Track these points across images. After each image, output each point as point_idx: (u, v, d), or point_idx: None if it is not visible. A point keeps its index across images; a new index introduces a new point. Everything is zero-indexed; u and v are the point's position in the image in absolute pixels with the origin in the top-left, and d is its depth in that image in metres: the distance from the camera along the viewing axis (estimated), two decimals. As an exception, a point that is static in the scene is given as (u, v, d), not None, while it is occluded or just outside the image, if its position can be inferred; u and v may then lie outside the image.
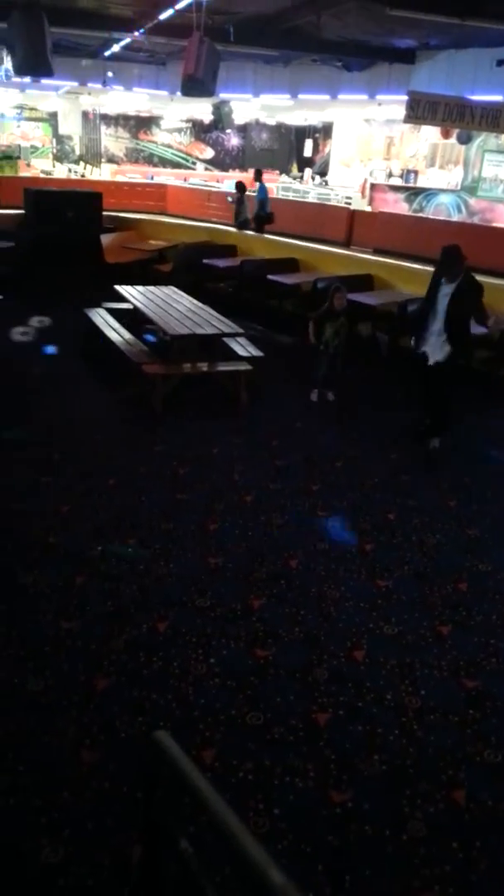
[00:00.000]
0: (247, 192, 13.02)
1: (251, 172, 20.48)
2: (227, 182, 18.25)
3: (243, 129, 21.76)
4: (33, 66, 9.49)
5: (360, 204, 15.62)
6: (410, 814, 2.96)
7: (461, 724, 3.45)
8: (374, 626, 4.13)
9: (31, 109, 20.15)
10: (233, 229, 13.10)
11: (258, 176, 13.42)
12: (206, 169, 21.84)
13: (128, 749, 3.14)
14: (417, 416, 6.80)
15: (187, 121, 21.69)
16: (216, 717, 3.37)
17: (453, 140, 16.14)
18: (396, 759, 3.23)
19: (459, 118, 11.04)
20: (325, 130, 20.24)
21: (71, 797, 2.91)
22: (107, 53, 13.78)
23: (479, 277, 6.31)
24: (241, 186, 13.14)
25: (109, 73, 14.79)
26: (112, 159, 21.43)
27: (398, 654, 3.91)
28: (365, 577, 4.61)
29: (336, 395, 7.67)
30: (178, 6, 9.56)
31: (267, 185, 18.26)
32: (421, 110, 10.85)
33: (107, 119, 21.36)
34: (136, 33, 11.72)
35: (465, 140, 15.49)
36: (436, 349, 6.24)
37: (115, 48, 13.24)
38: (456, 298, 6.08)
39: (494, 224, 14.68)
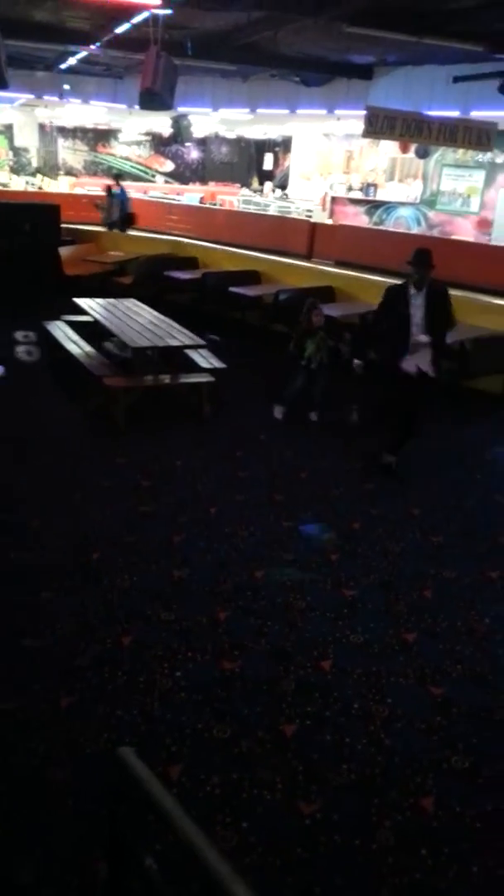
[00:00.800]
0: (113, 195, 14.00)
1: (212, 185, 20.64)
2: (187, 195, 18.32)
3: (203, 143, 21.86)
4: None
5: (321, 217, 15.77)
6: (379, 822, 2.95)
7: (428, 730, 3.46)
8: (340, 635, 4.13)
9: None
10: (195, 241, 13.14)
11: (117, 180, 14.55)
12: (166, 182, 21.87)
13: (93, 766, 3.09)
14: (380, 438, 6.53)
15: (146, 134, 21.73)
16: (182, 731, 3.33)
17: (412, 154, 16.41)
18: (365, 767, 3.22)
19: (417, 133, 11.23)
20: (285, 144, 20.41)
21: (37, 817, 2.85)
22: (63, 66, 13.76)
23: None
24: (109, 190, 14.17)
25: (66, 86, 14.77)
26: (70, 172, 21.36)
27: (365, 662, 3.91)
28: (331, 586, 4.61)
29: (320, 416, 7.38)
30: (135, 20, 9.60)
31: (228, 198, 18.42)
32: (379, 125, 11.00)
33: (64, 132, 21.29)
34: (93, 47, 11.72)
35: (423, 154, 15.76)
36: (425, 361, 6.02)
37: (72, 61, 13.23)
38: (432, 305, 5.95)
39: (454, 237, 14.92)
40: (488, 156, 14.50)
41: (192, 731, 3.34)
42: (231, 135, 21.12)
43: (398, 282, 6.22)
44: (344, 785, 3.13)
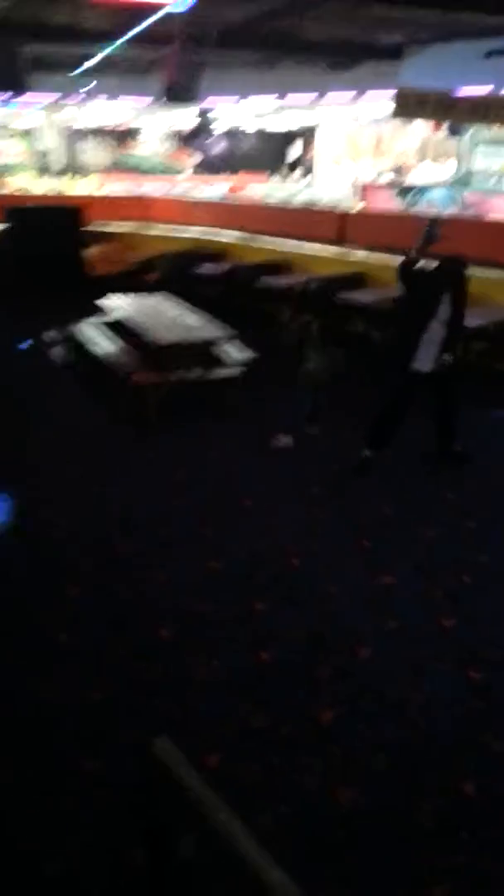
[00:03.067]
0: None
1: (241, 175, 20.54)
2: (216, 185, 18.25)
3: (230, 133, 21.77)
4: (11, 82, 9.54)
5: (352, 203, 15.61)
6: (419, 807, 2.94)
7: (467, 715, 3.44)
8: (376, 621, 4.11)
9: (10, 126, 20.14)
10: (222, 234, 13.12)
11: None
12: (195, 174, 21.83)
13: (130, 757, 3.13)
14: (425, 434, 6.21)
15: (172, 129, 21.69)
16: (220, 720, 3.36)
17: (443, 133, 16.13)
18: (403, 753, 3.21)
19: (448, 111, 11.04)
20: (313, 130, 20.23)
21: (73, 807, 2.91)
22: (86, 65, 13.80)
23: (473, 270, 6.19)
24: None
25: (89, 87, 14.81)
26: (96, 171, 21.43)
27: (402, 648, 3.90)
28: (366, 573, 4.59)
29: (320, 431, 6.75)
30: (155, 17, 9.58)
31: (257, 186, 18.31)
32: (409, 105, 10.85)
33: (88, 133, 21.36)
34: (114, 46, 11.75)
35: (456, 132, 15.46)
36: (437, 358, 5.75)
37: (93, 61, 13.27)
38: (456, 300, 5.72)
39: (490, 216, 14.65)
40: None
41: (230, 720, 3.37)
42: (259, 124, 21.00)
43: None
44: (383, 771, 3.13)
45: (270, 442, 6.44)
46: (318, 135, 19.71)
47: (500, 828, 2.86)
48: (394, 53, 13.26)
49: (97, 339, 8.21)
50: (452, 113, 11.13)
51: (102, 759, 3.13)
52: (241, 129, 21.51)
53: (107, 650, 3.83)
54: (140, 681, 3.61)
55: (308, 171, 20.12)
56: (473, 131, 15.58)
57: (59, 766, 3.11)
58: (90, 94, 15.04)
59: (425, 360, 5.74)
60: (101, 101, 16.09)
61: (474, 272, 6.16)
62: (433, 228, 5.63)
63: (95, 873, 2.65)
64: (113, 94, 15.83)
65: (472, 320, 7.80)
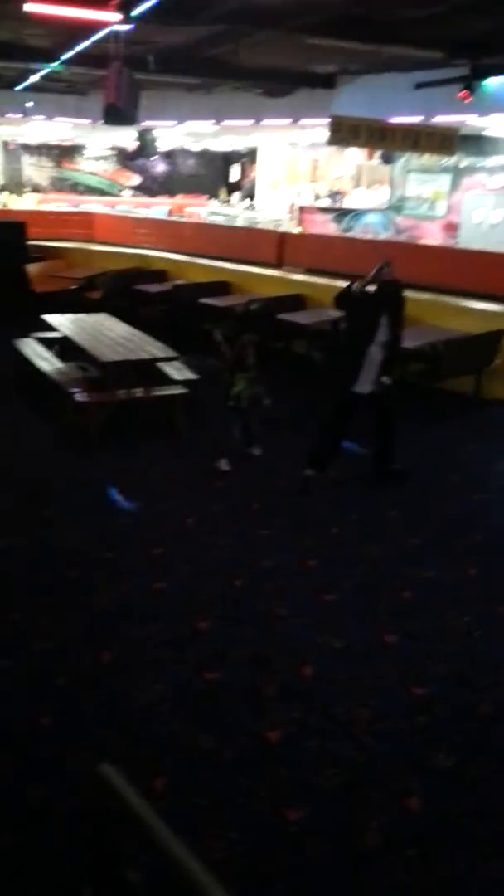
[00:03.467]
0: None
1: (180, 198, 20.67)
2: (155, 208, 18.33)
3: (169, 156, 21.89)
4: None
5: (290, 226, 15.85)
6: (366, 825, 2.94)
7: (412, 731, 3.47)
8: (320, 640, 4.12)
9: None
10: (164, 254, 13.15)
11: None
12: (134, 195, 21.86)
13: (75, 784, 3.05)
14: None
15: (112, 148, 21.70)
16: (166, 743, 3.32)
17: (377, 161, 16.55)
18: (349, 771, 3.21)
19: (381, 139, 11.34)
20: (251, 155, 20.51)
21: (16, 839, 2.81)
22: (25, 84, 13.72)
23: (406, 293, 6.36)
24: None
25: (29, 104, 14.72)
26: (36, 188, 21.27)
27: (346, 666, 3.91)
28: (310, 592, 4.61)
29: (262, 449, 6.70)
30: (96, 37, 9.60)
31: (196, 209, 18.44)
32: (343, 133, 11.08)
33: (29, 148, 21.21)
34: (55, 64, 11.71)
35: (389, 160, 15.89)
36: (376, 380, 5.86)
37: (34, 78, 13.20)
38: (394, 323, 5.86)
39: (422, 241, 15.07)
40: (453, 160, 14.67)
41: (176, 742, 3.32)
42: (197, 147, 21.18)
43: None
44: (330, 789, 3.12)
45: (214, 463, 6.42)
46: (256, 159, 19.98)
47: (445, 843, 2.88)
48: (328, 83, 13.54)
49: (40, 355, 8.11)
50: (384, 141, 11.44)
51: (47, 788, 3.04)
52: (179, 152, 21.66)
53: (51, 675, 3.74)
54: (84, 706, 3.53)
55: (246, 194, 20.36)
56: (405, 159, 16.04)
57: (3, 793, 3.01)
58: (26, 114, 14.93)
59: (365, 382, 5.85)
60: (38, 122, 15.98)
61: (410, 295, 6.31)
62: (382, 269, 5.81)
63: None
64: (50, 115, 15.74)
65: (409, 342, 8.00)
